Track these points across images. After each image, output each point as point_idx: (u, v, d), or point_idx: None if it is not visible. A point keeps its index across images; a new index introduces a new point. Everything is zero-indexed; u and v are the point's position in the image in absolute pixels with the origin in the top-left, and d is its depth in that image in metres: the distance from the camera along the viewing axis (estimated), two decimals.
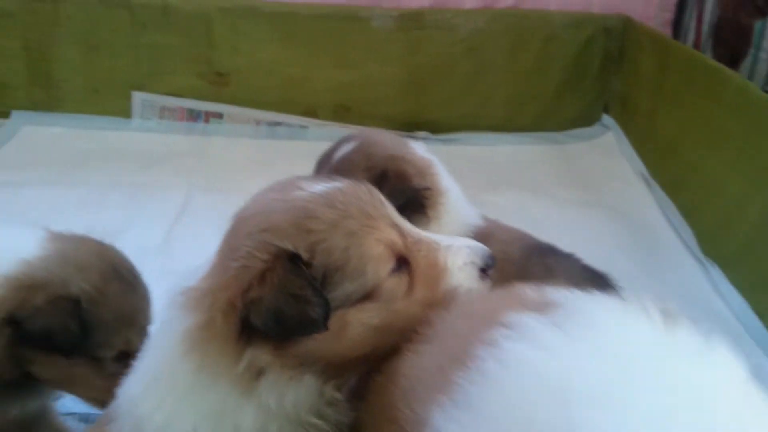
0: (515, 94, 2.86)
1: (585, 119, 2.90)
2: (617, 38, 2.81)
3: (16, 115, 2.73)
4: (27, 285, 1.04)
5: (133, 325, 1.13)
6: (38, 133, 2.67)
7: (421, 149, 1.47)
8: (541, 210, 2.35)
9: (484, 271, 0.97)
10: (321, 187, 0.90)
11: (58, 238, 1.14)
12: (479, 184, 2.49)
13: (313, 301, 0.79)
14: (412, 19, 2.76)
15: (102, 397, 1.06)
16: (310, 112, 2.81)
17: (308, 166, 1.80)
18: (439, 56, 2.79)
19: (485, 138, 2.83)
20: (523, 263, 1.41)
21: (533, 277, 1.38)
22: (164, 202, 2.22)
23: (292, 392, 0.83)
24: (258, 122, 2.80)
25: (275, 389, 0.82)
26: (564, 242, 2.12)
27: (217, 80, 2.76)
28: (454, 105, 2.84)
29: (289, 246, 0.82)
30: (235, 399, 0.81)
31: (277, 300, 0.79)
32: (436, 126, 2.83)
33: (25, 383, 1.10)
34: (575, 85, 2.86)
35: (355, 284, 0.84)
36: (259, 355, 0.81)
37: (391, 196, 1.24)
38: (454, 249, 0.95)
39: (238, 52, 2.74)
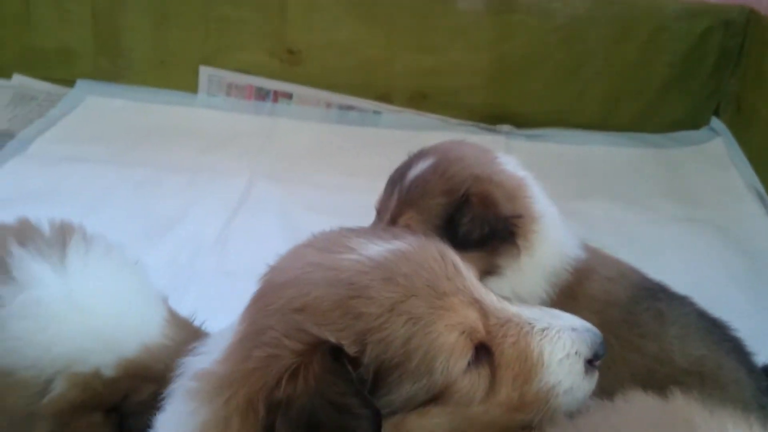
0: (614, 89, 2.57)
1: (691, 122, 2.58)
2: (737, 33, 2.47)
3: (81, 84, 2.63)
4: (142, 375, 0.91)
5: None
6: (102, 105, 2.56)
7: (512, 165, 1.24)
8: (636, 225, 2.10)
9: (591, 362, 0.75)
10: (378, 248, 0.69)
11: (177, 323, 1.01)
12: (566, 191, 2.24)
13: (359, 412, 0.59)
14: (504, 2, 2.49)
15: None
16: (385, 98, 2.60)
17: (378, 157, 1.62)
18: (531, 44, 2.52)
19: (576, 136, 2.56)
20: (630, 307, 1.18)
21: (642, 324, 1.16)
22: (224, 189, 2.08)
23: None
24: (329, 105, 2.61)
25: None
26: (660, 265, 1.86)
27: (288, 58, 2.58)
28: (544, 98, 2.58)
29: (330, 336, 0.63)
30: None
31: (311, 407, 0.59)
32: (521, 120, 2.58)
33: None
34: (683, 84, 2.54)
35: (418, 385, 0.63)
36: None
37: (475, 225, 1.06)
38: (553, 333, 0.73)
39: (312, 30, 2.55)
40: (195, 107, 2.59)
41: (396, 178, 1.20)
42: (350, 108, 2.61)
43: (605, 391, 1.12)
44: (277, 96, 2.62)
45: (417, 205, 1.13)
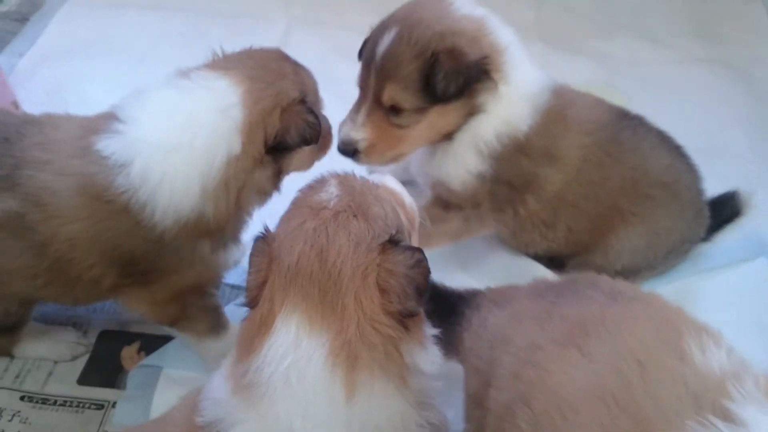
0: None
1: None
2: None
3: None
4: (260, 120, 1.13)
5: (318, 91, 1.28)
6: None
7: (468, 6, 1.28)
8: (658, 66, 2.19)
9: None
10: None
11: (233, 69, 1.17)
12: (591, 29, 2.32)
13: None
14: None
15: (321, 153, 1.30)
16: None
17: None
18: None
19: None
20: (613, 127, 1.36)
21: (623, 141, 1.37)
22: (261, 37, 2.14)
23: None
24: None
25: None
26: (675, 108, 2.02)
27: None
28: None
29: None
30: None
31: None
32: None
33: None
34: None
35: None
36: None
37: (450, 80, 1.19)
38: None
39: None
40: None
41: (369, 57, 1.26)
42: None
43: (602, 202, 1.38)
44: None
45: (394, 77, 1.22)
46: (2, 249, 1.15)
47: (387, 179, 0.99)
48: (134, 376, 1.38)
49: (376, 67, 1.23)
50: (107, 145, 1.11)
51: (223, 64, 1.18)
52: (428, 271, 0.82)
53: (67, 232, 1.12)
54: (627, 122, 1.40)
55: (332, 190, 0.88)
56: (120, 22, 2.21)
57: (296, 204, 0.90)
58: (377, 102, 1.25)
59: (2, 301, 1.26)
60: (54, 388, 1.38)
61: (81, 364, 1.42)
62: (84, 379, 1.40)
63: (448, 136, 1.31)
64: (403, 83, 1.21)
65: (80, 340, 1.44)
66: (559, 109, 1.31)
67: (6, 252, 1.15)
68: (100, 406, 1.36)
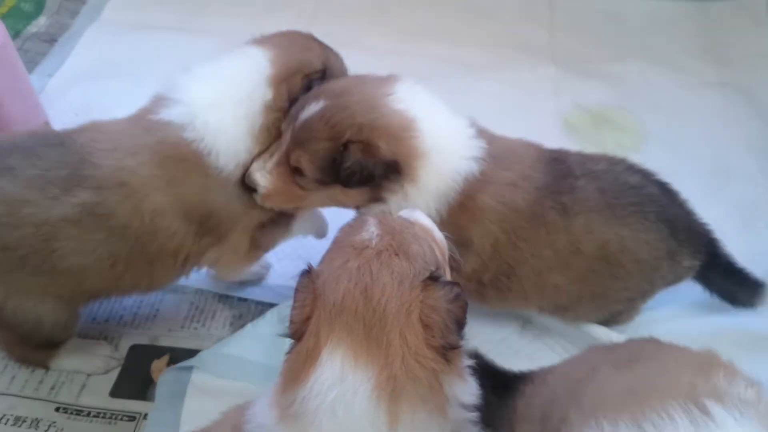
0: None
1: None
2: None
3: None
4: (284, 76, 1.33)
5: (347, 74, 1.44)
6: None
7: (405, 102, 1.27)
8: (668, 89, 2.24)
9: None
10: None
11: (267, 42, 1.41)
12: (604, 51, 2.38)
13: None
14: None
15: None
16: None
17: (427, 19, 1.71)
18: None
19: None
20: (534, 210, 1.31)
21: (548, 222, 1.32)
22: None
23: None
24: None
25: None
26: (684, 132, 2.07)
27: None
28: None
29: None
30: None
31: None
32: None
33: None
34: None
35: None
36: None
37: (355, 170, 1.22)
38: None
39: None
40: None
41: (293, 115, 1.29)
42: None
43: (529, 292, 1.38)
44: None
45: (305, 146, 1.24)
46: (79, 246, 1.24)
47: (418, 215, 1.05)
48: (163, 382, 1.43)
49: (293, 130, 1.26)
50: (167, 114, 1.29)
51: (259, 40, 1.42)
52: (466, 304, 0.88)
53: (150, 204, 1.26)
54: (558, 197, 1.33)
55: (373, 230, 0.94)
56: (147, 44, 2.27)
57: (338, 243, 0.96)
58: (287, 158, 1.28)
59: (56, 309, 1.32)
60: (87, 400, 1.44)
61: (113, 377, 1.48)
62: (116, 392, 1.46)
63: (355, 207, 1.34)
64: (310, 156, 1.25)
65: (113, 353, 1.50)
66: (470, 197, 1.29)
67: (82, 248, 1.24)
68: (132, 418, 1.41)
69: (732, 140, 2.05)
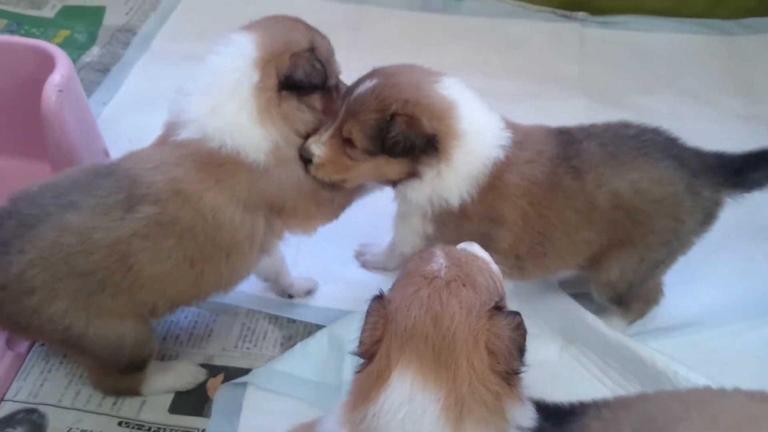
0: None
1: (764, 9, 2.66)
2: None
3: None
4: (270, 57, 1.37)
5: (333, 55, 1.52)
6: None
7: (451, 89, 1.40)
8: (697, 122, 2.28)
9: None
10: None
11: (252, 27, 1.46)
12: (633, 84, 2.46)
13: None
14: None
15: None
16: None
17: (460, 49, 1.80)
18: None
19: (649, 23, 2.68)
20: (551, 180, 1.43)
21: (565, 187, 1.43)
22: None
23: None
24: None
25: None
26: None
27: None
28: None
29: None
30: None
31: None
32: (597, 7, 2.69)
33: None
34: None
35: None
36: None
37: (398, 139, 1.34)
38: None
39: None
40: None
41: (348, 92, 1.42)
42: None
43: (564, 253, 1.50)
44: None
45: (357, 117, 1.36)
46: (153, 255, 1.33)
47: (476, 248, 1.13)
48: (219, 399, 1.52)
49: (348, 103, 1.39)
50: (186, 134, 1.37)
51: (246, 26, 1.47)
52: (526, 332, 0.96)
53: (207, 203, 1.35)
54: (569, 162, 1.45)
55: (441, 261, 1.02)
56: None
57: (409, 273, 1.03)
58: (340, 130, 1.40)
59: (135, 327, 1.40)
60: (148, 416, 1.52)
61: (171, 394, 1.56)
62: (174, 408, 1.54)
63: (393, 183, 1.46)
64: (360, 126, 1.37)
65: (198, 368, 1.58)
66: (496, 177, 1.41)
67: (158, 257, 1.33)
68: None
69: None
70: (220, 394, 1.53)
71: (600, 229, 1.48)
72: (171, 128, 1.41)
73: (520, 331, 0.95)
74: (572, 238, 1.49)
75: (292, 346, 1.63)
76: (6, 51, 1.81)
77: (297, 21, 1.48)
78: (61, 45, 2.43)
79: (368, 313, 0.99)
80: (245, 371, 1.57)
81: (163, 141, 1.42)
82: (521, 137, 1.46)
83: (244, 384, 1.53)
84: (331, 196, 1.52)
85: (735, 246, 1.89)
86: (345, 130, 1.38)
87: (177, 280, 1.38)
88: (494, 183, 1.41)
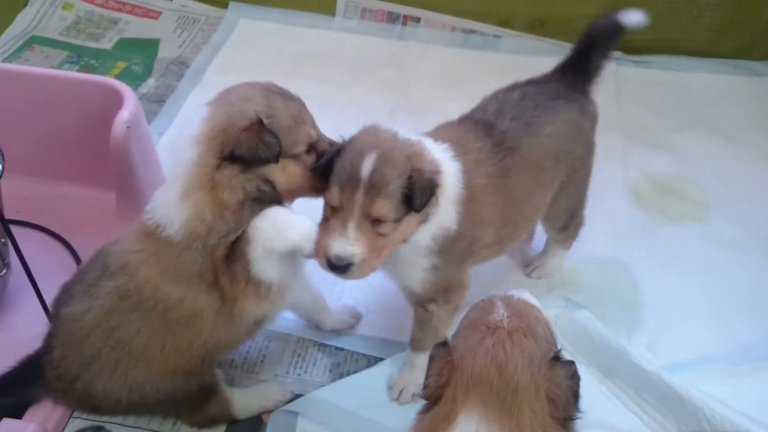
0: (725, 18, 2.72)
1: None
2: None
3: (233, 7, 2.97)
4: (213, 133, 1.32)
5: (304, 121, 1.42)
6: (253, 28, 2.90)
7: (407, 132, 1.45)
8: (729, 161, 2.38)
9: None
10: None
11: (213, 99, 1.41)
12: (668, 123, 2.53)
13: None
14: None
15: (315, 186, 1.42)
16: (505, 24, 2.84)
17: (498, 85, 1.89)
18: None
19: (682, 63, 2.77)
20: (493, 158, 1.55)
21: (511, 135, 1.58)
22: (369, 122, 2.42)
23: None
24: (453, 28, 2.87)
25: None
26: (744, 204, 2.19)
27: None
28: (656, 26, 2.68)
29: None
30: None
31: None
32: (631, 47, 2.77)
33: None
34: None
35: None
36: None
37: (423, 194, 1.38)
38: None
39: None
40: (333, 30, 2.91)
41: (352, 177, 1.36)
42: (472, 32, 2.86)
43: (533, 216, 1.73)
44: (406, 20, 2.89)
45: (383, 193, 1.34)
46: (128, 329, 1.42)
47: (527, 296, 1.21)
48: (273, 425, 1.58)
49: (365, 186, 1.36)
50: (148, 207, 1.41)
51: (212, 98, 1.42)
52: (580, 380, 1.04)
53: (143, 274, 1.39)
54: (495, 135, 1.57)
55: (503, 312, 1.10)
56: None
57: (473, 322, 1.12)
58: (365, 216, 1.37)
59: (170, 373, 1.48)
60: None
61: None
62: (230, 431, 1.62)
63: (405, 241, 1.48)
64: (390, 198, 1.36)
65: (282, 388, 1.66)
66: (468, 187, 1.48)
67: (131, 330, 1.42)
68: None
69: None
70: (274, 421, 1.59)
71: (549, 182, 1.68)
72: None
73: (575, 379, 1.03)
74: (534, 201, 1.68)
75: (341, 373, 1.72)
76: (78, 87, 1.93)
77: (255, 88, 1.41)
78: (120, 76, 2.59)
79: (433, 358, 1.08)
80: (297, 397, 1.65)
81: None
82: (456, 146, 1.51)
83: (296, 413, 1.60)
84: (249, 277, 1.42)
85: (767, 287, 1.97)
86: (374, 210, 1.37)
87: (162, 353, 1.44)
88: (470, 194, 1.49)
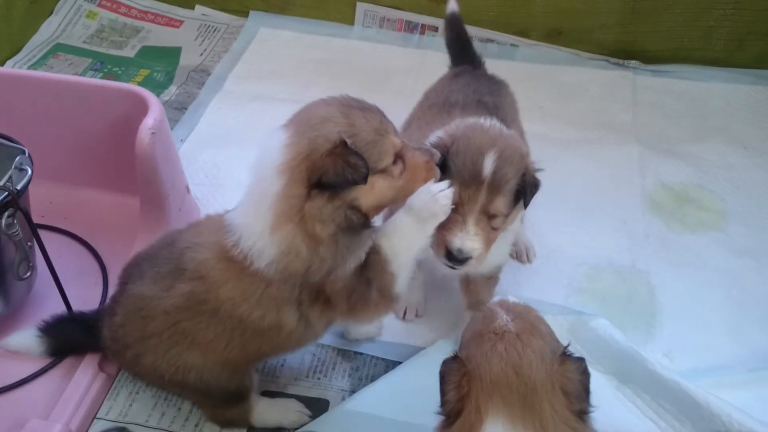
0: (742, 28, 2.72)
1: None
2: None
3: (254, 16, 3.02)
4: (297, 162, 1.27)
5: (387, 131, 1.36)
6: (273, 37, 2.94)
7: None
8: (746, 171, 2.39)
9: None
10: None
11: (289, 122, 1.36)
12: (684, 133, 2.54)
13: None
14: None
15: (409, 186, 1.39)
16: (523, 33, 2.87)
17: (516, 91, 1.96)
18: None
19: (700, 72, 2.77)
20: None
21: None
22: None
23: None
24: (471, 38, 2.88)
25: None
26: (765, 213, 2.20)
27: None
28: (674, 36, 2.77)
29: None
30: None
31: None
32: (649, 56, 2.80)
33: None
34: None
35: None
36: None
37: (531, 189, 1.49)
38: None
39: None
40: (351, 39, 2.94)
41: (476, 176, 1.43)
42: (490, 41, 2.88)
43: None
44: (424, 29, 2.92)
45: (503, 191, 1.44)
46: (195, 327, 1.43)
47: (512, 299, 1.25)
48: None
49: (487, 183, 1.44)
50: (227, 216, 1.40)
51: (287, 120, 1.37)
52: (590, 375, 1.07)
53: (225, 293, 1.38)
54: (496, 113, 1.70)
55: (504, 317, 1.13)
56: (263, 114, 2.52)
57: (479, 332, 1.14)
58: (483, 212, 1.46)
59: (221, 365, 1.50)
60: None
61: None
62: None
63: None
64: (507, 196, 1.46)
65: (303, 409, 1.66)
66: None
67: (198, 328, 1.43)
68: None
69: None
70: None
71: None
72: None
73: (586, 374, 1.07)
74: None
75: (360, 377, 1.73)
76: (103, 94, 1.96)
77: (332, 106, 1.35)
78: (142, 83, 2.63)
79: (447, 372, 1.10)
80: (317, 400, 1.68)
81: (222, 217, 1.44)
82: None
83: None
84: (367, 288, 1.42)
85: None
86: (494, 208, 1.45)
87: (226, 348, 1.45)
88: None
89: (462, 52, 2.11)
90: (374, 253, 1.39)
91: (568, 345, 1.12)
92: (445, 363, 1.12)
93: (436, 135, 1.53)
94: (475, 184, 1.43)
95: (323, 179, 1.26)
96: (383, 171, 1.34)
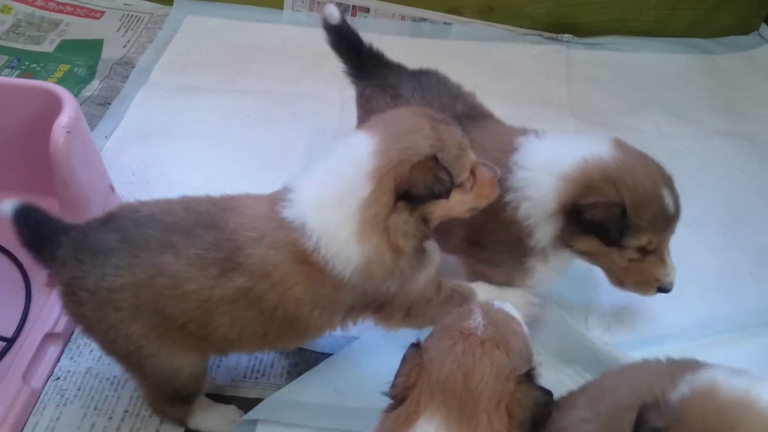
0: None
1: (741, 28, 2.77)
2: None
3: (179, 3, 2.90)
4: (386, 170, 1.27)
5: (467, 146, 1.38)
6: (200, 25, 2.83)
7: None
8: (682, 140, 2.39)
9: None
10: None
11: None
12: (619, 105, 2.54)
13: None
14: None
15: (476, 202, 1.44)
16: (455, 11, 2.82)
17: (449, 71, 1.92)
18: None
19: (632, 43, 2.77)
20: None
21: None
22: (320, 116, 2.40)
23: None
24: (403, 17, 2.84)
25: None
26: (698, 180, 2.21)
27: None
28: (605, 7, 2.75)
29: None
30: None
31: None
32: (582, 29, 2.78)
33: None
34: None
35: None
36: None
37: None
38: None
39: None
40: (282, 24, 2.85)
41: (671, 219, 1.52)
42: (423, 20, 2.83)
43: None
44: (355, 10, 2.85)
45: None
46: (232, 321, 1.36)
47: (509, 308, 1.20)
48: None
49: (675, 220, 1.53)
50: (288, 213, 1.33)
51: (369, 123, 1.38)
52: (550, 413, 1.04)
53: (292, 294, 1.33)
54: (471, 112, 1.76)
55: (479, 320, 1.10)
56: (192, 106, 2.44)
57: (448, 326, 1.11)
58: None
59: (195, 362, 1.45)
60: None
61: None
62: None
63: None
64: None
65: (239, 418, 1.59)
66: None
67: (236, 322, 1.37)
68: None
69: (744, 188, 2.20)
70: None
71: None
72: (282, 194, 1.38)
73: (545, 409, 1.03)
74: None
75: (298, 372, 1.68)
76: (15, 92, 1.86)
77: (421, 118, 1.34)
78: (62, 79, 2.51)
79: (405, 358, 1.08)
80: (256, 401, 1.61)
81: (272, 204, 1.37)
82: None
83: (255, 420, 1.57)
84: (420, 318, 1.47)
85: (722, 264, 1.98)
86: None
87: (249, 342, 1.44)
88: None
89: (356, 52, 1.98)
90: (458, 294, 1.51)
91: (533, 368, 1.08)
92: (411, 346, 1.10)
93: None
94: (669, 226, 1.51)
95: (412, 191, 1.28)
96: (460, 185, 1.37)
